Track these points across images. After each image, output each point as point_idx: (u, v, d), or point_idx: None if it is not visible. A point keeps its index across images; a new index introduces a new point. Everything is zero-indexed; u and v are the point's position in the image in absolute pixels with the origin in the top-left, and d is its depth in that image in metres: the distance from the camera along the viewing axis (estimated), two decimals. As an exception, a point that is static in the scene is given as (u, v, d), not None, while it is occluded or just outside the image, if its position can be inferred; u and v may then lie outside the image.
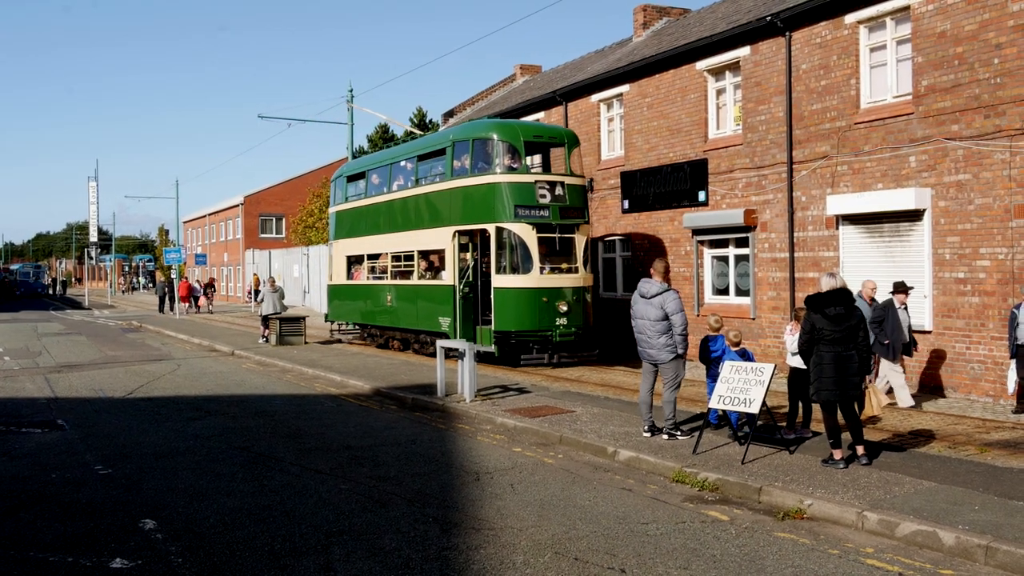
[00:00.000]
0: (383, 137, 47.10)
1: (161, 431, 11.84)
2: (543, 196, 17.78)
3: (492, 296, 17.91)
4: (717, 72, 18.99)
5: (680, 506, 7.98)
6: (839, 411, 9.06)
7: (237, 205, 61.04)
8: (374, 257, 22.94)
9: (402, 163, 21.75)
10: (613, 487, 8.67)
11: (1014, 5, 12.95)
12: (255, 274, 48.92)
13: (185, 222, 76.21)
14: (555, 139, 19.10)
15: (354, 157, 35.57)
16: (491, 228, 17.80)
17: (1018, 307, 12.12)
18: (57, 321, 38.49)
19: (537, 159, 19.92)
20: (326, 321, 26.55)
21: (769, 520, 7.53)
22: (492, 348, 17.66)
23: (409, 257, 20.94)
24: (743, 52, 17.98)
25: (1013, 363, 12.19)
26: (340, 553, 6.66)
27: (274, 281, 26.50)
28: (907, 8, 14.60)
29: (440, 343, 14.47)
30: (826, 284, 9.11)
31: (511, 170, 17.94)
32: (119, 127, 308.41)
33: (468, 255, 19.01)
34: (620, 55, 23.75)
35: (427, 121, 45.61)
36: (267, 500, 8.19)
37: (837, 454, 8.94)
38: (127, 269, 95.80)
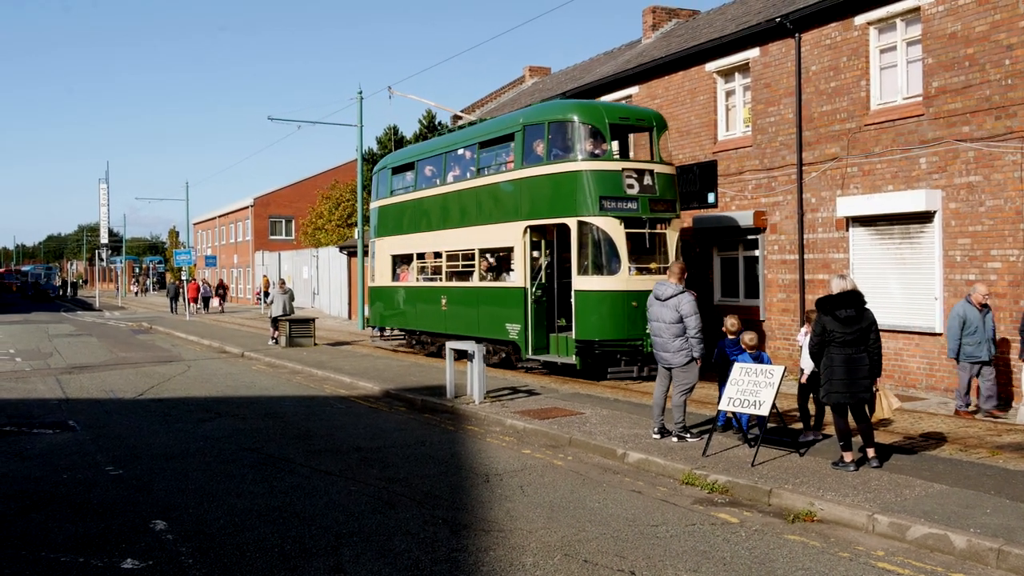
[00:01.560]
0: (392, 138, 47.12)
1: (171, 432, 11.89)
2: (631, 186, 15.76)
3: (573, 300, 15.96)
4: (726, 73, 18.96)
5: (690, 508, 7.96)
6: (850, 413, 9.03)
7: (247, 207, 61.29)
8: (425, 256, 20.96)
9: (459, 151, 19.63)
10: (623, 489, 8.66)
11: (1025, 6, 12.89)
12: (265, 276, 49.07)
13: (195, 224, 76.51)
14: (642, 122, 16.92)
15: (364, 159, 35.41)
16: (571, 222, 15.76)
17: (1030, 309, 12.05)
18: (68, 322, 38.68)
19: (615, 145, 17.50)
20: (367, 327, 24.68)
21: (779, 522, 7.51)
22: (573, 360, 15.87)
23: (468, 256, 18.92)
24: (752, 53, 17.95)
25: (1025, 365, 12.14)
26: (350, 554, 6.67)
27: (284, 283, 26.57)
28: (917, 9, 14.55)
29: (450, 345, 14.45)
30: (837, 286, 9.09)
31: (594, 156, 15.91)
32: (130, 129, 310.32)
33: (541, 254, 17.05)
34: (629, 57, 23.75)
35: (436, 123, 45.62)
36: (277, 501, 8.21)
37: (847, 456, 8.91)
38: (137, 271, 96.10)
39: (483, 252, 18.45)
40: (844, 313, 8.87)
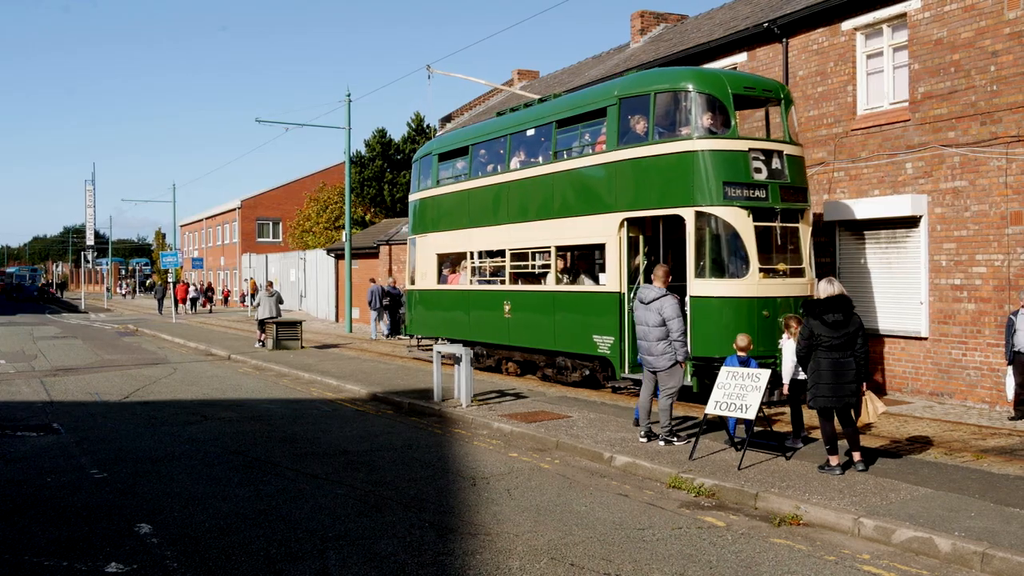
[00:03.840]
0: (380, 142, 47.10)
1: (157, 435, 11.82)
2: (758, 170, 13.01)
3: (688, 308, 12.82)
4: (714, 78, 18.99)
5: (676, 512, 7.97)
6: (836, 417, 9.06)
7: (234, 209, 61.11)
8: (482, 255, 18.10)
9: (528, 132, 16.72)
10: (609, 493, 8.66)
11: (1010, 12, 13.00)
12: (251, 278, 48.90)
13: (182, 226, 76.22)
14: (769, 93, 13.94)
15: (352, 162, 35.23)
16: (686, 213, 12.95)
17: (1015, 314, 12.14)
18: (53, 325, 38.42)
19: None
20: (405, 335, 22.74)
21: (765, 526, 7.53)
22: (689, 381, 12.82)
23: (539, 255, 16.25)
24: (740, 58, 18.01)
25: (1010, 370, 12.21)
26: (336, 558, 6.65)
27: (271, 285, 26.47)
28: (904, 15, 14.64)
29: (438, 348, 14.40)
30: (824, 290, 9.12)
31: (712, 134, 13.15)
32: (117, 130, 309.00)
33: (638, 252, 14.26)
34: (618, 61, 23.80)
35: (424, 126, 45.61)
36: (263, 505, 8.17)
37: (833, 460, 8.94)
38: (123, 272, 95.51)
39: (561, 250, 15.89)
40: (831, 317, 8.90)
